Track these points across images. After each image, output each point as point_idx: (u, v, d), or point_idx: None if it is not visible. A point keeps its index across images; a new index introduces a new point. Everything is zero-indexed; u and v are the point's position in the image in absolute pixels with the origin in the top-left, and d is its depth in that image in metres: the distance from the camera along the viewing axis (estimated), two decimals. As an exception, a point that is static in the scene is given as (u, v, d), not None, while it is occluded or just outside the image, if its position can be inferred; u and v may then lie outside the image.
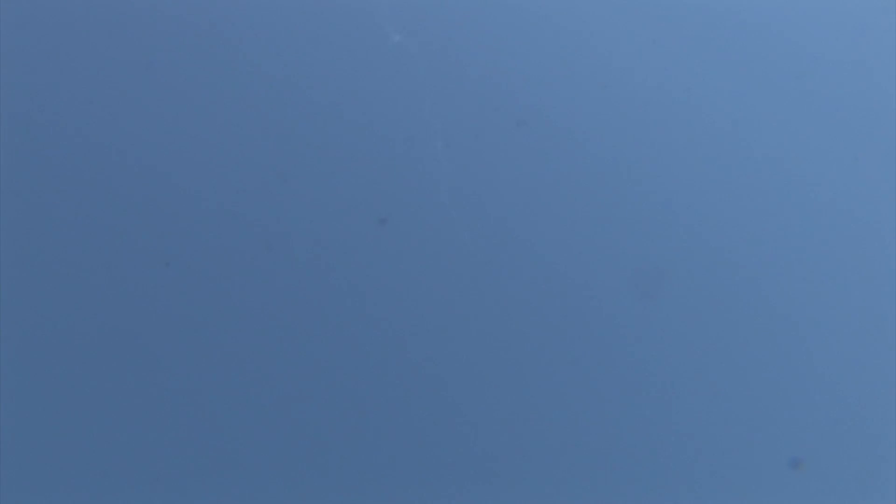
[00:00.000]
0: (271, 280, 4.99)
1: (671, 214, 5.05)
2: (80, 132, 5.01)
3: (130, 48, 5.03)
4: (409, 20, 5.04)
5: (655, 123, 5.06)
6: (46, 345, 4.90)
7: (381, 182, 5.03)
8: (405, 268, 5.03)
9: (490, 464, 4.97)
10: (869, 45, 5.01)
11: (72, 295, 4.92)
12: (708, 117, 5.08)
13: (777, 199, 5.08)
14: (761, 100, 5.07)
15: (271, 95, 5.05)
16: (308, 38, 5.08)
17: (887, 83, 4.99)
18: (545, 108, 5.07)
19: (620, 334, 5.04)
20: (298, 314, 5.00)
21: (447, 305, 5.05)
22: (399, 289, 5.02)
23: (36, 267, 4.94)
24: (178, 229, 5.00)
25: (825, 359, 5.00)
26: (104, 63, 5.03)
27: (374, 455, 4.97)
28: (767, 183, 5.09)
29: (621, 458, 4.99)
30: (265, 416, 4.94)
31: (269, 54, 5.07)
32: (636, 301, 5.04)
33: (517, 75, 5.09)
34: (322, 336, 5.01)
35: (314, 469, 4.97)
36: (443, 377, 5.00)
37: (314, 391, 5.00)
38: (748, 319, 5.06)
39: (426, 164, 5.01)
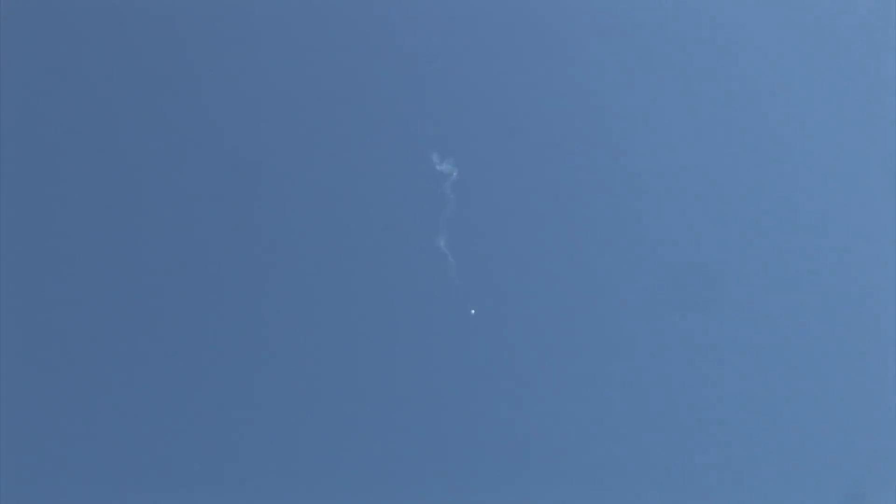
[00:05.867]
0: (273, 281, 5.02)
1: (670, 218, 5.07)
2: (83, 135, 5.07)
3: (135, 50, 5.09)
4: (412, 28, 5.10)
5: (654, 130, 5.10)
6: (48, 344, 4.94)
7: (382, 186, 5.07)
8: (407, 270, 5.06)
9: (510, 466, 4.98)
10: (869, 45, 5.04)
11: (75, 296, 4.97)
12: (707, 119, 5.11)
13: (781, 208, 5.10)
14: (760, 103, 5.10)
15: (273, 100, 5.11)
16: (309, 41, 5.13)
17: (887, 83, 5.02)
18: (543, 115, 5.11)
19: (628, 343, 5.07)
20: (300, 314, 5.04)
21: (448, 308, 5.08)
22: (402, 291, 5.05)
23: (38, 269, 4.99)
24: (180, 232, 5.04)
25: (829, 362, 5.01)
26: (108, 66, 5.08)
27: (374, 455, 4.98)
28: (770, 187, 5.11)
29: (629, 460, 5.00)
30: (266, 415, 4.96)
31: (273, 58, 5.13)
32: (644, 308, 5.06)
33: (516, 82, 5.14)
34: (323, 336, 5.04)
35: (314, 468, 4.98)
36: (448, 378, 5.02)
37: (315, 390, 5.02)
38: (751, 326, 5.08)
39: (427, 167, 5.05)
